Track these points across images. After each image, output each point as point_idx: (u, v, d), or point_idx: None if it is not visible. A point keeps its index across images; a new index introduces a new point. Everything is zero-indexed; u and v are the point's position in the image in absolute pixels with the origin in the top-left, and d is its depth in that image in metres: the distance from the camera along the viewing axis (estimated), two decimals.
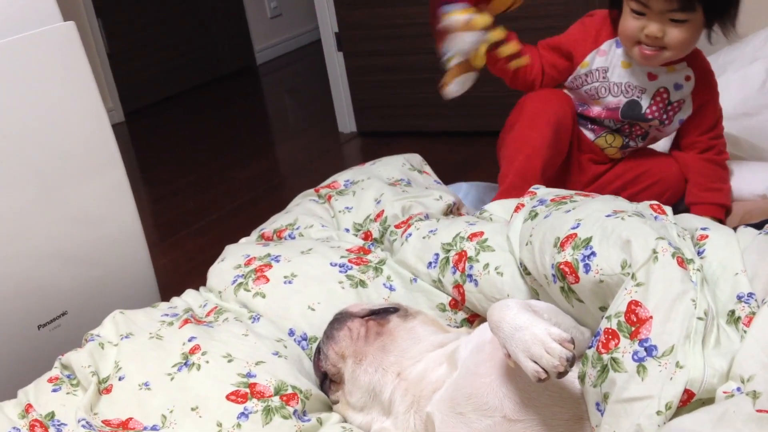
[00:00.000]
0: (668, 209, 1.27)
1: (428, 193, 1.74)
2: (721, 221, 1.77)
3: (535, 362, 1.03)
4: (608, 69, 1.81)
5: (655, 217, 1.24)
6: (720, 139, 1.89)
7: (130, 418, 1.26)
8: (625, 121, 1.84)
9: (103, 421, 1.26)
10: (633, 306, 1.08)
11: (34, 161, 1.63)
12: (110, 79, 4.09)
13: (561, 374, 1.03)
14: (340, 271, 1.50)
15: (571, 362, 1.03)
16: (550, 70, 1.85)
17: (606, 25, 1.82)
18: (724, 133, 1.92)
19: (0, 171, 1.57)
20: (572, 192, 1.45)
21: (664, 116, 1.82)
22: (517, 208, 1.47)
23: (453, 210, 1.72)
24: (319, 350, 1.31)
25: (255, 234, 1.78)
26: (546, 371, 1.02)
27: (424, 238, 1.50)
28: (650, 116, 1.81)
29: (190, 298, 1.58)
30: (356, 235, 1.67)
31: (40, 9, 1.66)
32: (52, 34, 1.64)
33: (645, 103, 1.80)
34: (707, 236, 1.20)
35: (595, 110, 1.85)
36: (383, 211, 1.66)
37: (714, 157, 1.88)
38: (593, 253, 1.18)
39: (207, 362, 1.29)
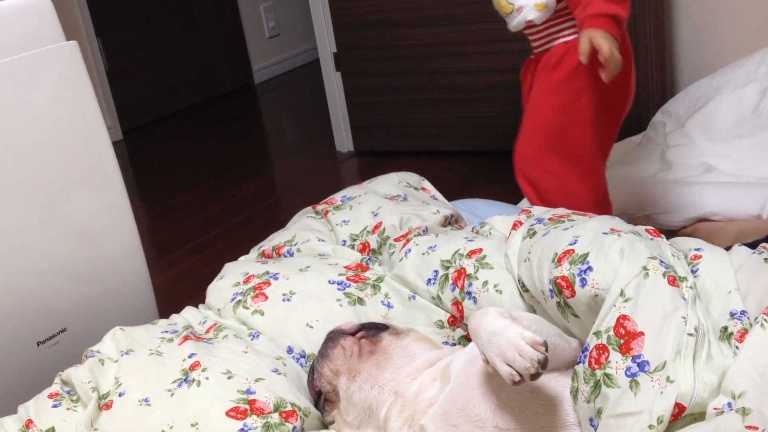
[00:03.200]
0: (662, 234, 1.30)
1: (425, 207, 1.76)
2: (616, 40, 1.67)
3: (509, 365, 1.06)
4: None
5: (651, 239, 1.26)
6: None
7: None
8: None
9: None
10: (622, 320, 1.10)
11: (36, 178, 1.65)
12: (109, 97, 4.11)
13: (534, 376, 1.06)
14: (338, 289, 1.51)
15: (543, 364, 1.06)
16: None
17: None
18: (718, 153, 1.94)
19: (1, 187, 1.58)
20: (569, 211, 1.47)
21: None
22: (515, 226, 1.48)
23: (451, 222, 1.73)
24: (313, 369, 1.32)
25: (254, 252, 1.79)
26: (520, 374, 1.06)
27: (423, 254, 1.52)
28: None
29: (189, 315, 1.59)
30: (353, 246, 1.68)
31: (43, 28, 1.68)
32: (56, 53, 1.66)
33: None
34: (701, 256, 1.22)
35: None
36: (381, 222, 1.68)
37: None
38: (590, 268, 1.20)
39: (207, 378, 1.30)
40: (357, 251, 1.67)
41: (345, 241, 1.70)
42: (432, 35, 3.02)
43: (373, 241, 1.67)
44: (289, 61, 5.12)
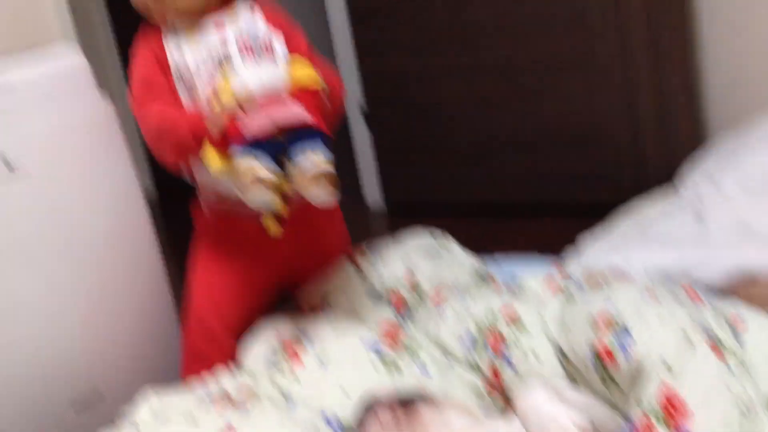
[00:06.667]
0: (704, 296, 1.28)
1: (458, 263, 1.75)
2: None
3: None
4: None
5: (692, 304, 1.24)
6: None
7: None
8: None
9: None
10: (666, 393, 1.09)
11: (68, 238, 1.66)
12: (142, 156, 4.14)
13: None
14: (374, 355, 1.50)
15: None
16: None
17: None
18: (754, 208, 1.90)
19: (34, 248, 1.60)
20: (605, 272, 1.46)
21: None
22: (552, 288, 1.47)
23: (486, 278, 1.72)
24: None
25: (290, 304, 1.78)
26: None
27: (459, 316, 1.51)
28: None
29: (224, 379, 1.58)
30: (388, 301, 1.67)
31: (77, 81, 1.71)
32: (89, 107, 1.68)
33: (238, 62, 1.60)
34: (744, 322, 1.20)
35: None
36: (414, 275, 1.67)
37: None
38: (630, 337, 1.18)
39: None
40: (392, 305, 1.66)
41: (379, 293, 1.69)
42: (459, 90, 3.04)
43: (409, 297, 1.66)
44: None
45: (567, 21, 2.78)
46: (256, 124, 1.45)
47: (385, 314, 1.65)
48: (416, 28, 3.05)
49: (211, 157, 1.49)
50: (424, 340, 1.54)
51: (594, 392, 1.25)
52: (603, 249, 2.06)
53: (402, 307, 1.66)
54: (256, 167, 1.43)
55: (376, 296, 1.70)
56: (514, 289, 1.59)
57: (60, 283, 1.66)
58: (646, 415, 1.09)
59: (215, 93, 1.50)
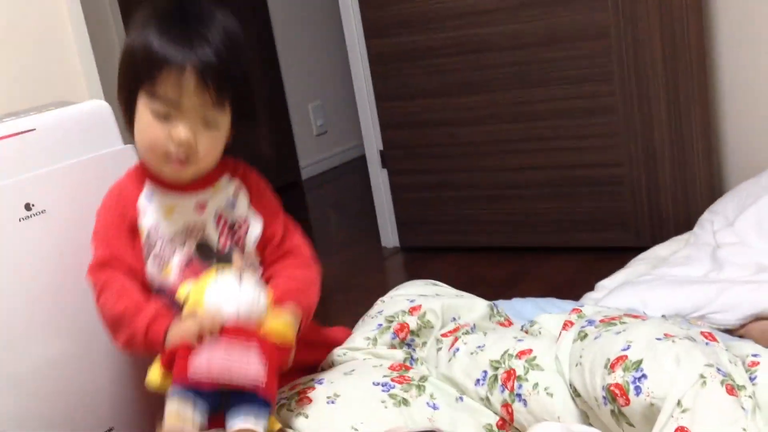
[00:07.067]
0: (719, 336, 1.27)
1: (466, 302, 1.75)
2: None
3: None
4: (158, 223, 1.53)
5: (706, 344, 1.24)
6: (300, 251, 1.63)
7: None
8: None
9: None
10: (679, 430, 1.07)
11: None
12: None
13: None
14: (383, 390, 1.50)
15: None
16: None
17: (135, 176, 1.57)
18: None
19: (53, 289, 1.60)
20: (621, 312, 1.46)
21: (235, 242, 1.56)
22: (565, 326, 1.47)
23: (501, 319, 1.71)
24: None
25: None
26: None
27: (472, 353, 1.50)
28: (224, 248, 1.55)
29: None
30: (389, 328, 1.65)
31: (101, 132, 1.73)
32: (113, 157, 1.70)
33: (214, 237, 1.54)
34: (758, 362, 1.19)
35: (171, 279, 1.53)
36: (420, 305, 1.67)
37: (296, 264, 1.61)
38: (644, 376, 1.18)
39: None
40: (393, 332, 1.65)
41: (380, 325, 1.68)
42: (477, 134, 3.06)
43: (412, 322, 1.65)
44: (336, 157, 5.21)
45: (586, 66, 2.80)
46: (207, 369, 1.32)
47: (394, 356, 1.64)
48: (434, 74, 3.09)
49: (153, 373, 1.39)
50: (433, 375, 1.54)
51: (605, 430, 1.24)
52: (619, 290, 2.06)
53: (405, 334, 1.64)
54: (187, 419, 1.31)
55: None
56: (530, 330, 1.59)
57: (73, 319, 1.67)
58: None
59: (187, 300, 1.42)
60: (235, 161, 1.59)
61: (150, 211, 1.52)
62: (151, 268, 1.52)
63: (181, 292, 1.45)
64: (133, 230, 1.52)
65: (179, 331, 1.37)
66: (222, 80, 1.41)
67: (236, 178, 1.59)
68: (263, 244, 1.59)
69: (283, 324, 1.42)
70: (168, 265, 1.52)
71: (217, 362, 1.33)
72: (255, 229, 1.58)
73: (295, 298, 1.50)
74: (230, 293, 1.41)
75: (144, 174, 1.55)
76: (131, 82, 1.45)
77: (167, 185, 1.54)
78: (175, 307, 1.47)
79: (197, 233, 1.54)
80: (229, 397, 1.36)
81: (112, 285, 1.49)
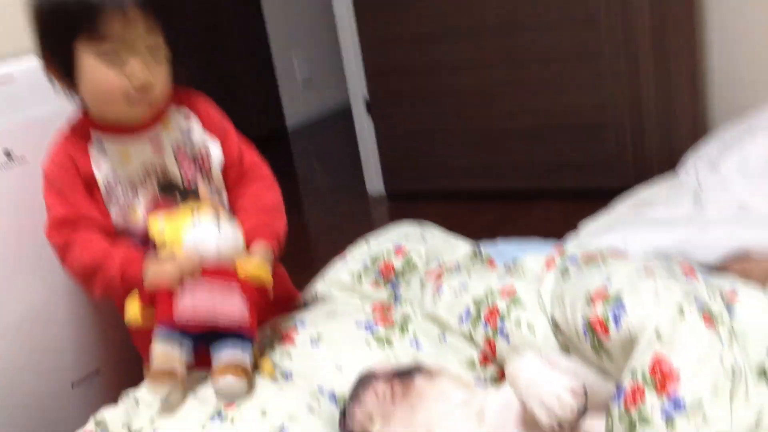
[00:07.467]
0: (699, 271, 1.28)
1: (450, 244, 1.76)
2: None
3: (549, 414, 1.07)
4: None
5: (686, 278, 1.25)
6: (260, 171, 1.65)
7: None
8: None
9: None
10: (657, 361, 1.09)
11: None
12: None
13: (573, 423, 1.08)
14: (366, 331, 1.51)
15: (582, 412, 1.07)
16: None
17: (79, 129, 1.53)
18: (753, 192, 1.90)
19: (35, 236, 1.60)
20: (603, 251, 1.47)
21: (202, 172, 1.56)
22: (548, 264, 1.48)
23: (483, 260, 1.72)
24: (344, 412, 1.31)
25: None
26: (560, 423, 1.06)
27: (455, 292, 1.51)
28: (191, 185, 1.54)
29: None
30: (375, 269, 1.67)
31: None
32: None
33: (176, 173, 1.53)
34: (737, 295, 1.21)
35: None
36: (404, 246, 1.68)
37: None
38: (624, 309, 1.19)
39: (241, 415, 1.30)
40: (379, 270, 1.67)
41: (366, 263, 1.69)
42: (463, 80, 3.05)
43: (398, 263, 1.66)
44: (324, 107, 5.18)
45: (572, 13, 2.78)
46: (192, 311, 1.34)
47: (376, 295, 1.65)
48: (420, 21, 3.06)
49: (132, 309, 1.39)
50: (416, 315, 1.55)
51: (586, 362, 1.26)
52: (602, 231, 2.07)
53: (390, 274, 1.65)
54: (174, 359, 1.33)
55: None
56: (513, 269, 1.60)
57: (58, 263, 1.67)
58: (635, 381, 1.09)
59: (163, 241, 1.40)
60: (175, 89, 1.55)
61: (103, 160, 1.49)
62: (116, 218, 1.51)
63: (154, 227, 1.44)
64: (89, 183, 1.49)
65: (160, 274, 1.37)
66: (149, 4, 1.42)
67: (183, 106, 1.57)
68: (224, 165, 1.58)
69: (257, 267, 1.42)
70: (134, 210, 1.51)
71: (202, 304, 1.34)
72: (215, 153, 1.57)
73: (264, 233, 1.50)
74: (210, 234, 1.41)
75: (87, 125, 1.52)
76: (64, 35, 1.41)
77: (116, 130, 1.50)
78: (145, 245, 1.47)
79: (159, 173, 1.52)
80: (213, 339, 1.37)
81: (76, 240, 1.47)
